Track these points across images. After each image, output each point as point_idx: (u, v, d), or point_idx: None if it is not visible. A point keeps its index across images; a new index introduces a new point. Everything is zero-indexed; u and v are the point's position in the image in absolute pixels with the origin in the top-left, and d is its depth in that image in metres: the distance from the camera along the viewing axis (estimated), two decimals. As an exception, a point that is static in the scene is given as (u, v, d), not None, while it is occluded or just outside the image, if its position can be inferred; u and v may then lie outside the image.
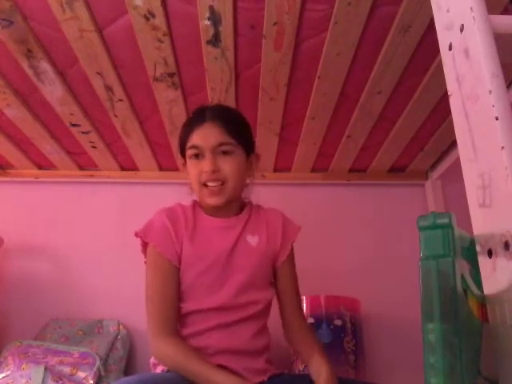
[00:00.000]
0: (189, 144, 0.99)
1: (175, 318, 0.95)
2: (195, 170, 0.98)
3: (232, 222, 1.02)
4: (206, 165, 0.96)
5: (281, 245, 1.04)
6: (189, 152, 0.99)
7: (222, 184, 0.97)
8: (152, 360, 0.99)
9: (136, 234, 1.00)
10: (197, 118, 1.01)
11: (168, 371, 0.92)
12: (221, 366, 0.89)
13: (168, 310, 0.94)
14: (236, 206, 1.05)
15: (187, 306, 0.97)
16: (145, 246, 1.01)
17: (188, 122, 1.04)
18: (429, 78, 1.18)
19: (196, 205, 1.06)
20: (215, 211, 1.02)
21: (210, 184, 0.97)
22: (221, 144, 0.97)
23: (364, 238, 1.71)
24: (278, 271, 1.05)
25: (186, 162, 1.03)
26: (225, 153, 0.97)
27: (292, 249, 1.07)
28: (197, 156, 0.98)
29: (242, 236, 1.01)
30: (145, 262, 1.02)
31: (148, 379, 0.83)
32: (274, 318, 1.08)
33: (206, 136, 0.97)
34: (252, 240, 1.02)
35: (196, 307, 0.96)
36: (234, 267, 0.98)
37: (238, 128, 1.01)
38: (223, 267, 0.97)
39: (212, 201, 0.98)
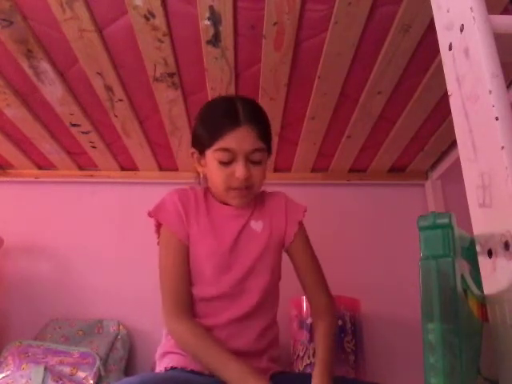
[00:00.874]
0: (219, 145, 0.93)
1: (189, 296, 0.96)
2: (223, 172, 0.94)
3: (240, 210, 1.03)
4: (239, 170, 0.93)
5: (285, 226, 1.04)
6: (219, 154, 0.93)
7: (249, 188, 0.98)
8: (158, 354, 1.00)
9: (149, 214, 1.01)
10: (230, 117, 0.94)
11: (171, 368, 0.93)
12: None
13: (182, 289, 0.95)
14: None
15: (195, 292, 0.97)
16: (158, 226, 1.02)
17: (218, 120, 0.95)
18: (429, 78, 1.18)
19: (207, 192, 1.06)
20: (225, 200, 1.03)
21: (238, 188, 0.96)
22: (255, 150, 0.94)
23: (364, 238, 1.71)
24: (290, 252, 1.05)
25: (199, 154, 1.00)
26: (255, 160, 0.95)
27: (302, 227, 1.06)
28: (228, 159, 0.94)
29: (248, 223, 1.02)
30: (157, 243, 1.02)
31: (149, 379, 0.83)
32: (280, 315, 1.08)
33: (241, 141, 0.93)
34: (256, 226, 1.03)
35: (203, 293, 0.97)
36: (238, 254, 0.99)
37: (268, 132, 0.99)
38: (228, 254, 0.98)
39: (236, 202, 0.99)
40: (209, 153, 0.96)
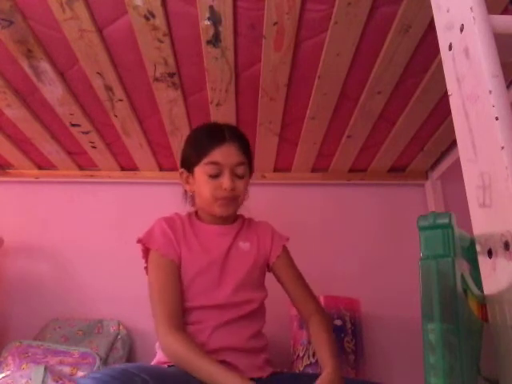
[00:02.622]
0: (208, 159, 1.02)
1: (181, 314, 0.98)
2: (211, 184, 1.02)
3: (226, 229, 1.09)
4: (225, 182, 1.01)
5: (270, 249, 1.11)
6: (207, 167, 1.02)
7: (234, 199, 1.05)
8: (155, 361, 1.01)
9: (138, 241, 1.06)
10: (217, 136, 1.04)
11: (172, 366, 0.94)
12: (224, 362, 0.92)
13: (174, 307, 0.97)
14: (231, 217, 1.12)
15: (189, 304, 1.00)
16: (146, 251, 1.06)
17: (205, 139, 1.05)
18: (429, 78, 1.18)
19: (191, 215, 1.12)
20: (212, 220, 1.09)
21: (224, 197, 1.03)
22: (239, 163, 1.03)
23: (364, 238, 1.71)
24: (275, 269, 1.10)
25: (190, 174, 1.08)
26: (239, 174, 1.04)
27: (285, 250, 1.13)
28: (216, 172, 1.02)
29: (235, 242, 1.08)
30: (144, 268, 1.06)
31: (149, 369, 0.83)
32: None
33: (227, 155, 1.02)
34: (244, 246, 1.09)
35: (197, 304, 1.00)
36: (228, 270, 1.04)
37: (249, 149, 1.09)
38: (219, 269, 1.03)
39: (221, 211, 1.05)
40: (197, 169, 1.05)
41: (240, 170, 1.04)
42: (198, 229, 1.08)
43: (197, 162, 1.04)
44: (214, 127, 1.09)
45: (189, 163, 1.07)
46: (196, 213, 1.13)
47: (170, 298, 0.97)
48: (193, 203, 1.14)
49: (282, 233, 1.16)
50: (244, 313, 1.01)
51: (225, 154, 1.02)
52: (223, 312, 0.99)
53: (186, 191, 1.14)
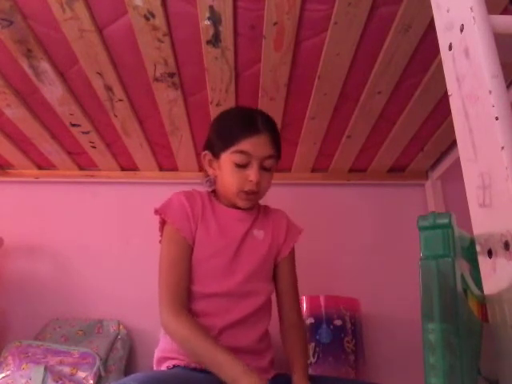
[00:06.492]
0: (237, 148, 0.99)
1: (187, 293, 0.97)
2: (237, 174, 1.00)
3: (244, 215, 1.07)
4: (252, 174, 0.99)
5: (284, 241, 1.10)
6: (235, 156, 0.99)
7: (257, 192, 1.03)
8: (156, 356, 1.00)
9: (155, 212, 1.03)
10: (249, 124, 1.01)
11: (174, 367, 0.94)
12: None
13: (181, 285, 0.96)
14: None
15: (194, 289, 0.98)
16: (163, 223, 1.04)
17: (236, 126, 1.02)
18: (429, 77, 1.18)
19: (211, 195, 1.10)
20: (231, 204, 1.07)
21: (249, 191, 1.01)
22: (269, 156, 1.01)
23: (364, 238, 1.71)
24: (278, 268, 1.10)
25: (214, 158, 1.05)
26: (267, 166, 1.02)
27: (293, 250, 1.12)
28: (243, 162, 1.00)
29: (251, 229, 1.07)
30: (159, 242, 1.04)
31: (150, 377, 0.82)
32: (275, 319, 1.08)
33: (258, 146, 0.99)
34: (258, 234, 1.07)
35: (207, 290, 0.98)
36: (241, 257, 1.02)
37: (280, 141, 1.06)
38: (232, 255, 1.02)
39: (244, 204, 1.04)
40: (225, 155, 1.01)
41: (268, 163, 1.01)
42: (217, 210, 1.06)
43: (224, 149, 1.01)
44: (246, 113, 1.06)
45: (215, 148, 1.04)
46: (215, 193, 1.10)
47: (177, 276, 0.96)
48: (211, 185, 1.11)
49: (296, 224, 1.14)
50: (252, 309, 0.99)
51: (256, 145, 0.99)
52: (231, 304, 0.98)
53: (206, 174, 1.10)
